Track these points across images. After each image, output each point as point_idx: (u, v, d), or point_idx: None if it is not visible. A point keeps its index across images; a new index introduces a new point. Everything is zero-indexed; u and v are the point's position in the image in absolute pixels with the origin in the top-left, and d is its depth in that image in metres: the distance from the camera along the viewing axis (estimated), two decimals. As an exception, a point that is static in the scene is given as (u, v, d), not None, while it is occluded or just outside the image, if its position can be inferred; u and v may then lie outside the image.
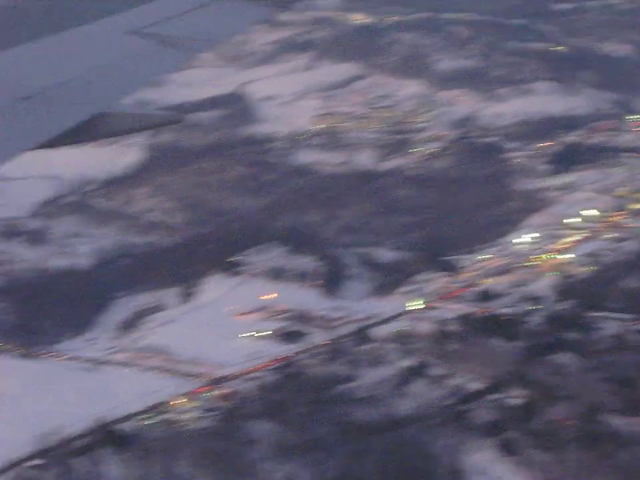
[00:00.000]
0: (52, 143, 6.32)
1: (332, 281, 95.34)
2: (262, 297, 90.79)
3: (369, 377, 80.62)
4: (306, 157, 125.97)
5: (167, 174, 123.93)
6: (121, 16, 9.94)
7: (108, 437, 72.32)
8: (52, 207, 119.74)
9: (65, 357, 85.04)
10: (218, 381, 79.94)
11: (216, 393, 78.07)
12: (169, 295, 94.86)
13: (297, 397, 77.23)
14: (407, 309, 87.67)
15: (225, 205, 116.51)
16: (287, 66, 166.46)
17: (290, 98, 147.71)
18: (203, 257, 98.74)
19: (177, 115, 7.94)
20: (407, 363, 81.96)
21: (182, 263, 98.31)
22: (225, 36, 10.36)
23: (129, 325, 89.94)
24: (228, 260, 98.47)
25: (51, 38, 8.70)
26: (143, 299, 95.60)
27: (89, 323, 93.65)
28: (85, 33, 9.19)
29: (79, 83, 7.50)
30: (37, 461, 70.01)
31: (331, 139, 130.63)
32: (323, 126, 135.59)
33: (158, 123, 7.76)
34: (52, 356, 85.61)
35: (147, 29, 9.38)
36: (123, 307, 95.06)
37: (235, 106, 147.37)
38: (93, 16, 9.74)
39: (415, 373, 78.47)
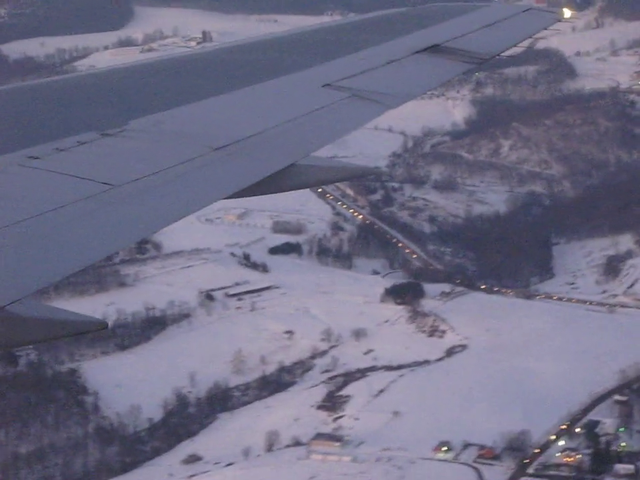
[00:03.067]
0: (246, 193, 6.63)
1: None
2: None
3: None
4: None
5: (522, 126, 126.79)
6: (314, 69, 10.36)
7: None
8: (415, 157, 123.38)
9: (569, 299, 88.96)
10: None
11: None
12: (623, 242, 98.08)
13: None
14: None
15: (605, 156, 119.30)
16: (574, 22, 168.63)
17: (603, 54, 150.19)
18: (624, 206, 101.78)
19: (373, 168, 8.64)
20: None
21: (607, 212, 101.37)
22: (419, 91, 10.24)
23: (608, 270, 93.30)
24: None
25: (245, 89, 9.26)
26: (593, 246, 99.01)
27: (548, 267, 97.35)
28: (279, 85, 9.66)
29: (273, 135, 7.83)
30: (620, 396, 74.03)
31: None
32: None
33: (351, 176, 7.88)
34: (547, 298, 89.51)
35: (341, 83, 9.63)
36: (575, 253, 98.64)
37: (547, 61, 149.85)
38: (287, 69, 10.24)
39: None
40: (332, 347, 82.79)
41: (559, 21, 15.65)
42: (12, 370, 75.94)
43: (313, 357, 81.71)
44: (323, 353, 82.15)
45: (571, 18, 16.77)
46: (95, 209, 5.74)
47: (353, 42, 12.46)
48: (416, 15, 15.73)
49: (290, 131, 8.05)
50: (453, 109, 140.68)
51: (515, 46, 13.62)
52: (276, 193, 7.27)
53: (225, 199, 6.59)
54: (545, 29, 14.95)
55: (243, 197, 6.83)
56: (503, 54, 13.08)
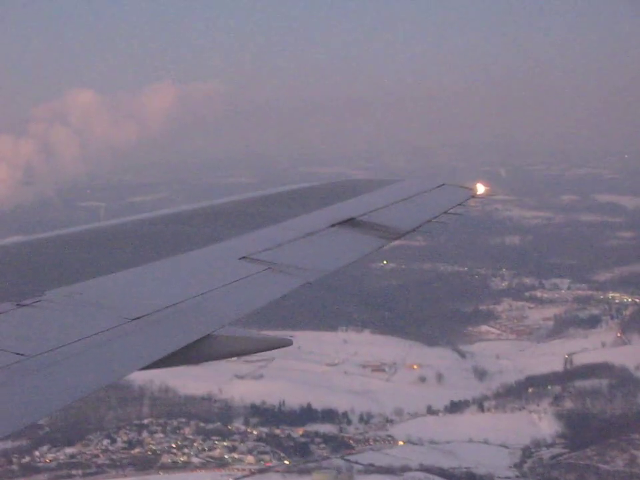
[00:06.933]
0: (162, 363, 7.00)
1: None
2: None
3: None
4: None
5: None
6: (232, 241, 11.02)
7: None
8: (544, 467, 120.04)
9: None
10: None
11: None
12: None
13: None
14: None
15: None
16: (598, 339, 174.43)
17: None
18: None
19: (286, 339, 8.46)
20: None
21: None
22: (335, 266, 10.82)
23: None
24: None
25: (163, 261, 9.80)
26: None
27: None
28: (197, 257, 10.22)
29: (188, 306, 8.23)
30: None
31: None
32: None
33: (267, 346, 8.20)
34: None
35: (256, 255, 10.27)
36: None
37: (608, 375, 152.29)
38: (205, 241, 10.89)
39: None
40: None
41: (473, 197, 16.81)
42: None
43: None
44: None
45: (484, 194, 17.40)
46: (5, 380, 5.84)
47: (271, 214, 13.10)
48: (333, 188, 16.90)
49: (206, 303, 8.39)
50: (539, 422, 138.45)
51: (429, 221, 14.00)
52: (192, 363, 7.69)
53: (141, 369, 6.80)
54: (460, 204, 15.57)
55: (160, 367, 7.02)
56: (417, 230, 13.63)
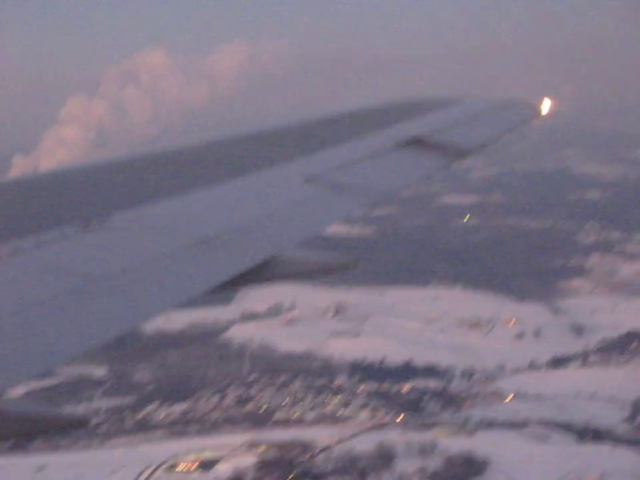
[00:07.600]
0: (229, 284, 7.05)
1: None
2: None
3: None
4: None
5: None
6: (297, 162, 11.06)
7: None
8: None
9: None
10: None
11: None
12: None
13: None
14: None
15: None
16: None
17: None
18: None
19: (349, 262, 8.23)
20: None
21: None
22: (399, 187, 10.84)
23: None
24: None
25: (228, 183, 9.83)
26: None
27: None
28: (261, 178, 10.24)
29: (252, 228, 8.30)
30: None
31: None
32: None
33: (330, 267, 8.16)
34: None
35: (322, 176, 10.35)
36: None
37: None
38: (270, 162, 10.96)
39: None
40: None
41: (540, 114, 16.37)
42: None
43: None
44: None
45: (550, 113, 16.75)
46: (76, 303, 5.87)
47: (337, 134, 13.03)
48: (397, 107, 16.63)
49: (271, 224, 8.54)
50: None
51: (497, 139, 13.72)
52: (258, 283, 7.59)
53: (210, 291, 6.78)
54: (527, 121, 15.43)
55: (226, 289, 7.13)
56: (483, 148, 13.22)
